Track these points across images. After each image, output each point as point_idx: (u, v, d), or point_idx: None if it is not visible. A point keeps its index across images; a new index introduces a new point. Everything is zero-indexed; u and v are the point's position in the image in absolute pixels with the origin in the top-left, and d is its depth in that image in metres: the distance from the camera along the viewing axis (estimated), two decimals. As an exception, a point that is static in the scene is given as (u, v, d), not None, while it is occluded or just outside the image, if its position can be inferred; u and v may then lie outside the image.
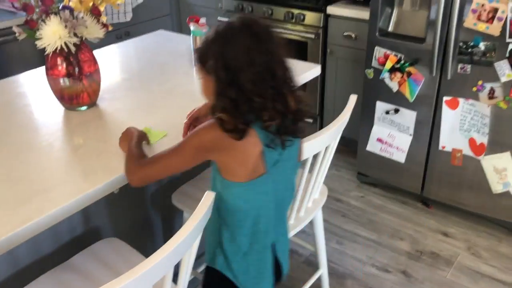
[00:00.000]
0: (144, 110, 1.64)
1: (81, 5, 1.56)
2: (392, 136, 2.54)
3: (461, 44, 2.15)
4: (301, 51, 2.91)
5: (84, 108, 1.63)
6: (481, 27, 2.07)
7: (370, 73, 2.49)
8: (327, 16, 2.77)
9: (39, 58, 2.57)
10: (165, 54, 2.13)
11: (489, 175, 2.30)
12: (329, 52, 2.85)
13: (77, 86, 1.58)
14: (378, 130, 2.58)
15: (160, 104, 1.68)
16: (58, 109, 1.64)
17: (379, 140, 2.59)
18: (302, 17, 2.84)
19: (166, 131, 1.47)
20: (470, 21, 2.10)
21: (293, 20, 2.89)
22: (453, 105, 2.29)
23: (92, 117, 1.60)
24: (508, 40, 2.03)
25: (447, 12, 2.13)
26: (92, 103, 1.65)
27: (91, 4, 1.57)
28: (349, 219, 2.53)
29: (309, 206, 1.69)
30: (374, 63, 2.46)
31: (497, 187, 2.30)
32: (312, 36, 2.83)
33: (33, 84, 1.88)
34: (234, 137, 1.12)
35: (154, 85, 1.84)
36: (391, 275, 2.18)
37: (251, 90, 1.11)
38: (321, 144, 1.46)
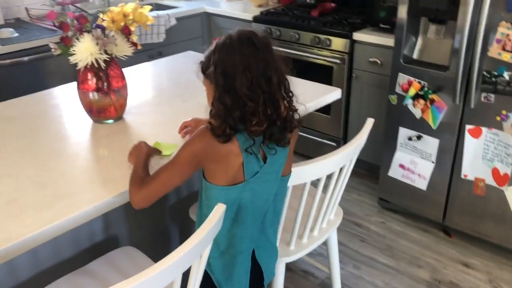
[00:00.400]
0: (167, 125, 1.70)
1: (113, 25, 1.66)
2: (414, 162, 2.54)
3: (485, 73, 2.15)
4: (326, 75, 2.96)
5: (110, 121, 1.71)
6: (506, 57, 2.07)
7: (393, 99, 2.51)
8: (353, 42, 2.82)
9: (74, 73, 2.72)
10: (191, 73, 2.20)
11: (512, 206, 2.27)
12: (354, 77, 2.89)
13: (105, 100, 1.66)
14: (401, 156, 2.58)
15: (183, 120, 1.75)
16: (87, 121, 1.73)
17: (401, 166, 2.59)
18: (328, 42, 2.90)
19: (177, 144, 1.52)
20: (494, 51, 2.10)
21: (320, 45, 2.94)
22: (476, 134, 2.28)
23: (118, 130, 1.67)
24: (533, 70, 2.03)
25: (471, 41, 2.14)
26: (119, 117, 1.73)
27: (122, 24, 1.67)
28: (367, 244, 2.52)
29: (323, 227, 1.71)
30: (398, 89, 2.47)
31: (520, 219, 2.26)
32: (338, 61, 2.88)
33: (66, 97, 1.98)
34: (220, 140, 1.21)
35: (178, 102, 1.91)
36: (406, 303, 2.16)
37: (245, 95, 1.17)
38: (335, 165, 1.49)
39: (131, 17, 1.69)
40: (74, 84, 2.05)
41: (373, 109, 2.87)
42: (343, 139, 3.11)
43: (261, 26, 3.20)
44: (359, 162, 3.24)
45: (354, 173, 3.15)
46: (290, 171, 1.40)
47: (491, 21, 2.06)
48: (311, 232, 1.65)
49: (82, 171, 1.43)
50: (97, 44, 1.53)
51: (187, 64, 2.36)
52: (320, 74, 2.91)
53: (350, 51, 2.84)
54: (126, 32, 1.64)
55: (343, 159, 1.50)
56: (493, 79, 2.15)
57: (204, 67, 1.27)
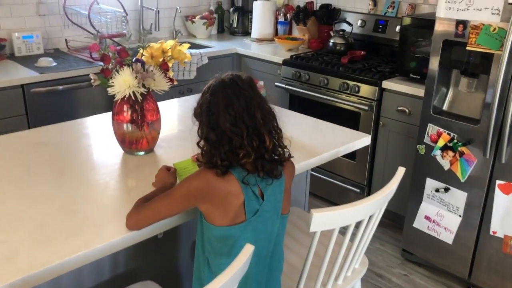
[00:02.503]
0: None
1: (152, 60, 1.70)
2: (440, 215, 2.48)
3: (517, 128, 2.13)
4: (353, 121, 2.96)
5: (142, 153, 1.73)
6: (539, 113, 2.05)
7: (421, 149, 2.49)
8: (382, 90, 2.83)
9: (106, 104, 2.78)
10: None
11: (543, 267, 2.18)
12: (381, 125, 2.88)
13: (138, 133, 1.68)
14: (427, 207, 2.53)
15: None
16: (118, 152, 1.75)
17: (427, 218, 2.54)
18: (357, 88, 2.91)
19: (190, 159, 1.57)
20: (527, 107, 2.08)
21: (348, 91, 2.96)
22: (507, 190, 2.23)
23: (148, 162, 1.69)
24: None
25: (503, 96, 2.13)
26: (150, 150, 1.75)
27: (161, 59, 1.71)
28: (389, 297, 2.44)
29: (348, 275, 1.66)
30: (427, 140, 2.46)
31: (551, 282, 2.17)
32: (366, 107, 2.88)
33: (98, 127, 2.02)
34: (218, 173, 1.23)
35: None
36: None
37: (229, 129, 1.23)
38: (365, 212, 1.46)
39: (169, 53, 1.73)
40: (106, 115, 2.11)
41: (399, 157, 2.84)
42: (368, 186, 3.07)
43: (291, 69, 3.24)
44: (384, 211, 3.21)
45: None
46: (289, 210, 1.42)
47: (525, 77, 2.05)
48: (335, 281, 1.60)
49: (111, 201, 1.43)
50: (136, 77, 1.57)
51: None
52: (347, 119, 2.92)
53: (378, 99, 2.85)
54: (164, 67, 1.68)
55: (373, 207, 1.48)
56: (526, 135, 2.12)
57: (194, 111, 1.33)
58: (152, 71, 1.60)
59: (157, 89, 1.63)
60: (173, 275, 1.83)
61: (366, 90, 2.89)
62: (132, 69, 1.58)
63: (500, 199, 2.26)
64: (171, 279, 1.82)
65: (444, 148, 2.39)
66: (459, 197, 2.39)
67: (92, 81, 1.65)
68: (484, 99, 2.23)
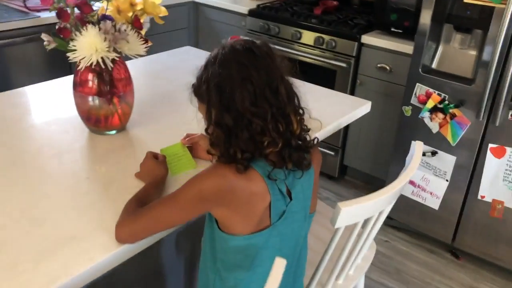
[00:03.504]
0: (179, 136, 1.42)
1: (119, 16, 1.36)
2: (426, 179, 2.36)
3: (515, 89, 2.00)
4: (328, 79, 2.74)
5: (113, 132, 1.42)
6: (541, 73, 1.92)
7: (407, 110, 2.32)
8: (360, 45, 2.61)
9: (47, 65, 2.36)
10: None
11: (532, 231, 2.14)
12: (358, 83, 2.68)
13: (108, 107, 1.36)
14: (410, 171, 2.40)
15: (196, 130, 1.47)
16: (82, 131, 1.42)
17: (412, 182, 2.41)
18: (333, 43, 2.67)
19: (194, 163, 1.27)
20: (528, 66, 1.94)
21: (324, 46, 2.71)
22: (499, 154, 2.13)
23: (122, 143, 1.38)
24: None
25: (503, 54, 1.97)
26: (122, 127, 1.44)
27: (130, 15, 1.37)
28: (375, 267, 2.33)
29: (359, 263, 1.48)
30: (414, 100, 2.29)
31: (539, 245, 2.13)
32: (343, 64, 2.66)
33: (50, 99, 1.65)
34: (238, 170, 0.96)
35: (188, 108, 1.62)
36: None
37: (249, 111, 0.95)
38: (388, 201, 1.26)
39: (140, 6, 1.39)
40: (60, 82, 1.74)
41: (378, 118, 2.67)
42: (342, 148, 2.90)
43: (258, 21, 2.93)
44: (358, 173, 3.10)
45: (351, 184, 3.00)
46: (315, 209, 1.19)
47: (529, 34, 1.90)
48: (336, 281, 1.41)
49: (87, 200, 1.13)
50: (105, 39, 1.23)
51: (188, 61, 2.06)
52: (322, 78, 2.68)
53: (357, 55, 2.63)
54: (137, 25, 1.35)
55: (397, 193, 1.28)
56: (524, 96, 1.99)
57: (196, 88, 1.03)
58: (125, 30, 1.26)
59: (131, 54, 1.30)
60: (156, 276, 1.57)
61: (343, 45, 2.65)
62: (99, 29, 1.24)
63: (491, 163, 2.16)
64: (154, 280, 1.56)
65: (434, 110, 2.24)
66: (447, 161, 2.27)
67: (45, 43, 1.29)
68: (480, 57, 2.07)
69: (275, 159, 0.99)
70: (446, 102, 2.19)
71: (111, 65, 1.27)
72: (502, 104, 2.03)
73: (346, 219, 1.16)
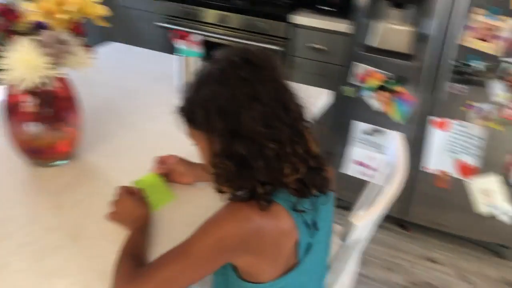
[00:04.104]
0: (143, 156, 1.22)
1: (52, 21, 1.11)
2: (372, 158, 2.37)
3: (454, 63, 2.03)
4: (260, 63, 2.61)
5: (63, 162, 1.18)
6: (478, 45, 1.96)
7: (347, 90, 2.28)
8: (292, 26, 2.51)
9: None
10: (137, 77, 1.69)
11: (476, 197, 2.23)
12: (293, 66, 2.59)
13: (53, 134, 1.12)
14: (356, 151, 2.39)
15: (159, 149, 1.28)
16: (18, 165, 1.16)
17: (357, 162, 2.40)
18: (263, 26, 2.54)
19: (173, 193, 1.10)
20: (466, 39, 1.97)
21: (253, 30, 2.57)
22: (442, 126, 2.17)
23: (75, 175, 1.15)
24: (503, 59, 1.94)
25: (441, 29, 1.98)
26: (72, 155, 1.20)
27: (65, 18, 1.13)
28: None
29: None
30: (354, 80, 2.25)
31: (483, 209, 2.23)
32: (275, 47, 2.55)
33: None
34: (262, 207, 0.82)
35: (142, 122, 1.42)
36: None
37: (262, 134, 0.80)
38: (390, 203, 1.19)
39: (70, 7, 1.15)
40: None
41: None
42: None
43: (177, 5, 2.70)
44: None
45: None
46: None
47: (463, 8, 1.92)
48: None
49: (55, 265, 0.91)
50: (47, 54, 0.99)
51: (123, 61, 1.82)
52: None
53: (291, 37, 2.53)
54: (79, 32, 1.11)
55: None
56: (463, 69, 2.03)
57: (188, 114, 0.86)
58: (69, 41, 1.03)
59: (77, 68, 1.07)
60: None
61: (275, 27, 2.53)
62: (39, 41, 0.99)
63: (435, 136, 2.20)
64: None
65: (377, 89, 2.22)
66: (391, 137, 2.28)
67: (-37, 64, 1.01)
68: (418, 33, 2.07)
69: (296, 186, 0.85)
70: (389, 80, 2.18)
71: (54, 84, 1.03)
72: (443, 78, 2.06)
73: (358, 234, 1.07)
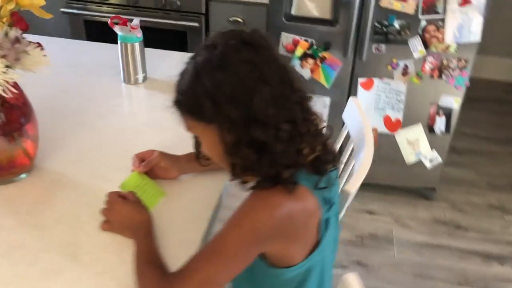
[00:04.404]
0: (111, 160, 1.13)
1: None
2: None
3: (376, 24, 2.12)
4: (178, 43, 2.52)
5: (23, 176, 1.04)
6: (397, 5, 2.06)
7: (276, 61, 2.29)
8: (208, 0, 2.44)
9: None
10: (70, 70, 1.53)
11: (403, 148, 2.39)
12: (211, 41, 2.53)
13: (9, 147, 0.98)
14: (289, 120, 2.43)
15: (125, 145, 1.19)
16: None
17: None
18: (177, 3, 2.44)
19: (162, 190, 1.04)
20: (385, 1, 2.07)
21: (167, 7, 2.46)
22: (368, 86, 2.28)
23: (44, 189, 1.03)
24: (420, 17, 2.07)
25: (361, -9, 2.06)
26: (31, 167, 1.07)
27: (6, 9, 0.98)
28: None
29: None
30: (282, 51, 2.26)
31: (410, 158, 2.41)
32: (193, 24, 2.46)
33: None
34: (288, 189, 0.80)
35: (95, 119, 1.30)
36: (349, 270, 2.11)
37: (275, 117, 0.79)
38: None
39: None
40: None
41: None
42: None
43: (80, -12, 2.48)
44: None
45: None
46: None
47: (383, -30, 2.00)
48: None
49: (60, 286, 0.82)
50: (2, 56, 0.85)
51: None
52: (171, 42, 2.45)
53: (205, 12, 2.46)
54: (22, 27, 0.97)
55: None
56: (384, 29, 2.13)
57: (191, 107, 0.82)
58: (23, 39, 0.90)
59: (33, 70, 0.94)
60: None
61: (188, 3, 2.44)
62: (-16, 43, 0.85)
63: (362, 95, 2.30)
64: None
65: (303, 57, 2.25)
66: (322, 103, 2.35)
67: None
68: (338, -2, 2.13)
69: (314, 165, 0.84)
70: (314, 46, 2.22)
71: (12, 90, 0.90)
72: (366, 40, 2.14)
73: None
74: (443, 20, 2.05)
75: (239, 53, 0.78)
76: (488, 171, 2.78)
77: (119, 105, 1.39)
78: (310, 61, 2.25)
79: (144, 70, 1.46)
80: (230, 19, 2.45)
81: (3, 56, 0.84)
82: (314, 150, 0.83)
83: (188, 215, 0.98)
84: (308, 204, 0.83)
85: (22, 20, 0.97)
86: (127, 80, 1.45)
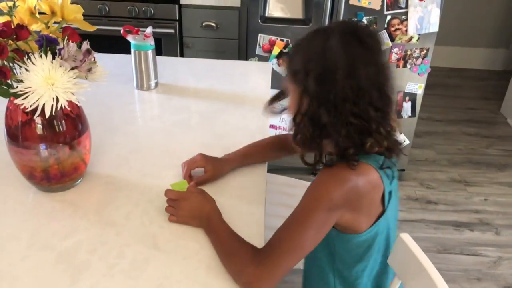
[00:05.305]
0: (151, 160, 1.20)
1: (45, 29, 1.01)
2: (285, 120, 2.56)
3: (346, 21, 2.29)
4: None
5: (78, 182, 1.09)
6: (364, 2, 2.25)
7: (255, 61, 2.41)
8: (181, 7, 2.51)
9: None
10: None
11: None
12: (186, 47, 2.61)
13: (70, 155, 1.04)
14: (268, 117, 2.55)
15: (160, 147, 1.26)
16: (26, 194, 1.05)
17: (272, 127, 2.57)
18: (151, 11, 2.49)
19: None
20: (354, -1, 2.25)
21: (140, 16, 2.50)
22: (341, 79, 2.45)
23: (102, 191, 1.08)
24: (386, 12, 2.27)
25: (331, -8, 2.22)
26: (84, 174, 1.12)
27: (51, 23, 1.03)
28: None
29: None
30: (259, 51, 2.38)
31: (382, 143, 2.60)
32: (167, 30, 2.53)
33: None
34: (352, 167, 0.92)
35: (121, 124, 1.35)
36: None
37: (350, 110, 0.89)
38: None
39: (55, 13, 1.06)
40: None
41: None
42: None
43: None
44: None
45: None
46: None
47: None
48: None
49: (153, 272, 0.89)
50: (66, 69, 0.91)
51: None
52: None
53: (179, 18, 2.53)
54: (74, 39, 1.03)
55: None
56: (353, 25, 2.31)
57: (293, 69, 0.95)
58: (89, 51, 0.96)
59: (100, 81, 1.00)
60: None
61: (162, 11, 2.50)
62: (55, 56, 0.91)
63: (336, 88, 2.47)
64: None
65: (280, 55, 2.39)
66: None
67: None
68: (311, -1, 2.28)
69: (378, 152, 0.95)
70: (291, 45, 2.36)
71: (66, 103, 0.95)
72: (337, 36, 2.31)
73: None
74: (406, 13, 2.26)
75: (345, 43, 0.88)
76: (446, 149, 3.05)
77: (140, 110, 1.45)
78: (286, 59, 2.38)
79: (156, 76, 1.53)
80: (203, 24, 2.54)
81: (76, 67, 0.90)
82: (381, 146, 0.93)
83: (245, 201, 1.07)
84: (371, 178, 0.94)
85: (75, 33, 1.03)
86: (141, 86, 1.52)
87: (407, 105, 2.52)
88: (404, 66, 2.40)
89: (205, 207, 1.00)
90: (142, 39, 1.46)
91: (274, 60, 2.38)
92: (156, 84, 1.55)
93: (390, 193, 1.01)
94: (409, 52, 2.36)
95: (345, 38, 0.90)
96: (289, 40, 2.33)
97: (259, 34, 2.34)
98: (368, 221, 1.00)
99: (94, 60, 1.00)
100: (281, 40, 2.34)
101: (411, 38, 2.32)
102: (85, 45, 0.92)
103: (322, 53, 0.89)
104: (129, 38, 1.47)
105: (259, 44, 2.36)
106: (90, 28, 1.09)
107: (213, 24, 2.53)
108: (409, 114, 2.53)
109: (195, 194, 1.02)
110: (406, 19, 2.27)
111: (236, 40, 2.47)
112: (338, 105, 0.88)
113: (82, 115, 1.04)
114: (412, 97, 2.50)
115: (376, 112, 0.91)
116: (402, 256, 1.00)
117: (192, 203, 1.00)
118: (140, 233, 0.96)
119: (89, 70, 0.92)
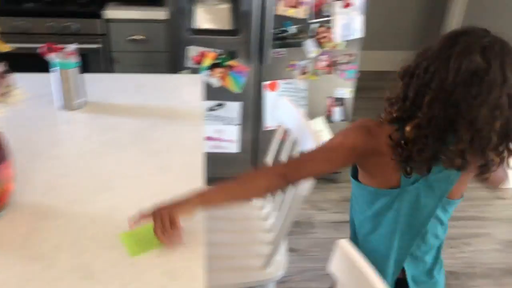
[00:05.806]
0: (79, 185, 1.15)
1: None
2: (220, 131, 2.55)
3: (274, 30, 2.32)
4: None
5: (1, 214, 1.02)
6: (290, 12, 2.29)
7: (186, 74, 2.39)
8: (106, 22, 2.44)
9: None
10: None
11: (309, 139, 2.64)
12: (115, 62, 2.54)
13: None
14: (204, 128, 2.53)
15: (91, 170, 1.21)
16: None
17: (209, 138, 2.56)
18: (74, 27, 2.40)
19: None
20: (280, 9, 2.28)
21: (65, 32, 2.41)
22: (273, 87, 2.48)
23: (21, 225, 1.02)
24: (311, 21, 2.33)
25: (259, 4, 2.24)
26: (6, 205, 1.05)
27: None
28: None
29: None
30: (189, 63, 2.36)
31: (316, 148, 2.66)
32: (93, 46, 2.45)
33: None
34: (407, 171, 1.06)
35: (48, 148, 1.28)
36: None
37: (441, 118, 1.00)
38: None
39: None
40: None
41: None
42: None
43: None
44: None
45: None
46: (462, 195, 1.16)
47: (275, -18, 2.21)
48: None
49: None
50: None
51: None
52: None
53: (105, 33, 2.46)
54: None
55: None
56: (282, 35, 2.35)
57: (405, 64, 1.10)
58: (4, 73, 0.90)
59: (14, 105, 0.95)
60: None
61: (87, 26, 2.42)
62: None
63: (268, 97, 2.50)
64: None
65: (212, 67, 2.38)
66: (233, 108, 2.50)
67: None
68: (237, 9, 2.29)
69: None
70: (221, 56, 2.36)
71: (-4, 126, 0.90)
72: (267, 46, 2.34)
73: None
74: (331, 21, 2.33)
75: (464, 55, 0.94)
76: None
77: (66, 132, 1.39)
78: (218, 70, 2.38)
79: (83, 95, 1.47)
80: (131, 37, 2.48)
81: (-10, 92, 0.85)
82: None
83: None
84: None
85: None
86: (66, 106, 1.45)
87: (336, 110, 2.59)
88: (333, 72, 2.47)
89: (177, 204, 1.00)
90: (65, 57, 1.40)
91: (206, 72, 2.37)
92: (84, 103, 1.49)
93: (413, 182, 1.08)
94: (336, 59, 2.43)
95: (467, 48, 0.94)
96: (221, 51, 2.33)
97: (188, 46, 2.32)
98: (378, 180, 1.13)
99: (12, 82, 0.94)
100: (212, 51, 2.33)
101: (337, 44, 2.39)
102: (1, 66, 0.87)
103: (437, 60, 0.99)
104: (51, 56, 1.41)
105: (189, 57, 2.34)
106: (6, 48, 1.03)
107: (141, 37, 2.49)
108: (340, 118, 2.61)
109: (160, 209, 0.97)
110: (332, 27, 2.34)
111: (165, 53, 2.44)
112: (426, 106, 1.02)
113: (0, 143, 0.98)
114: (341, 102, 2.58)
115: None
116: (342, 263, 1.02)
117: (166, 213, 0.96)
118: (73, 264, 0.91)
119: (4, 94, 0.86)
